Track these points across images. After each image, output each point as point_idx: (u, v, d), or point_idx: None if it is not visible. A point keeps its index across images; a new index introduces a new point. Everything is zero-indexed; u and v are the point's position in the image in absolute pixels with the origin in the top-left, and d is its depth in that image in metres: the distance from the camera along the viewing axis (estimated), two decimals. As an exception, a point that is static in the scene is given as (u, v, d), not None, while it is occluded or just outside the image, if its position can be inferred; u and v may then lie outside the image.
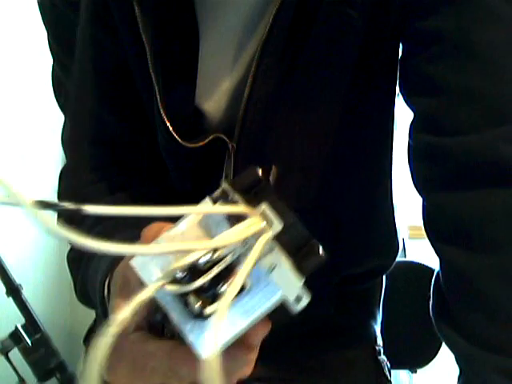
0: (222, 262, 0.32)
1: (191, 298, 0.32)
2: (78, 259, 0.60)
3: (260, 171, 0.34)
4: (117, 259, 0.46)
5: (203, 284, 0.32)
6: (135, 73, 0.61)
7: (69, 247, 0.65)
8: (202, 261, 0.32)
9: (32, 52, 1.55)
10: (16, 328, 1.15)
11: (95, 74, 0.63)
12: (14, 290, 1.17)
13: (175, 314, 0.33)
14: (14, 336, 1.15)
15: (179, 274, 0.32)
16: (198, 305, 0.32)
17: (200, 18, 0.58)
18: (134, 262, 0.34)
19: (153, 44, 0.57)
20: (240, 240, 0.32)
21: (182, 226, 0.33)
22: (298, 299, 0.31)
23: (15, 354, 1.15)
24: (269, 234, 0.32)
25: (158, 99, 0.58)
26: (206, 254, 0.32)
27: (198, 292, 0.32)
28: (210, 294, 0.32)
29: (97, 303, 0.48)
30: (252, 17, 0.58)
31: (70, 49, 0.64)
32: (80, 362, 0.79)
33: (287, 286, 0.32)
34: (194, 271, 0.32)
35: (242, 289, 0.32)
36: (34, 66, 1.57)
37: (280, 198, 0.33)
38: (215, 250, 0.32)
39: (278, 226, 0.32)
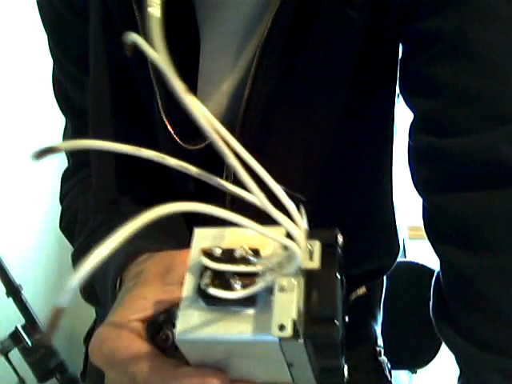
0: (253, 265, 0.33)
1: (206, 273, 0.33)
2: (83, 256, 0.60)
3: (339, 236, 0.36)
4: (130, 257, 0.47)
5: (226, 271, 0.33)
6: (136, 74, 0.61)
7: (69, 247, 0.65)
8: (238, 253, 0.33)
9: (33, 53, 1.55)
10: (16, 328, 1.16)
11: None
12: (14, 291, 1.17)
13: (188, 286, 0.34)
14: (14, 336, 1.15)
15: (218, 254, 0.34)
16: (206, 281, 0.33)
17: (200, 19, 0.58)
18: (196, 231, 0.36)
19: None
20: (274, 234, 0.32)
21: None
22: (281, 328, 0.31)
23: (15, 354, 1.15)
24: (300, 259, 0.32)
25: (159, 101, 0.58)
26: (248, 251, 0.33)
27: (217, 274, 0.33)
28: (224, 281, 0.33)
29: (108, 297, 0.49)
30: (252, 17, 0.57)
31: (68, 51, 0.64)
32: (80, 362, 0.79)
33: (282, 311, 0.31)
34: (230, 258, 0.33)
35: (252, 302, 0.32)
36: (34, 66, 1.57)
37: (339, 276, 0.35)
38: (257, 253, 0.33)
39: (315, 264, 0.33)
